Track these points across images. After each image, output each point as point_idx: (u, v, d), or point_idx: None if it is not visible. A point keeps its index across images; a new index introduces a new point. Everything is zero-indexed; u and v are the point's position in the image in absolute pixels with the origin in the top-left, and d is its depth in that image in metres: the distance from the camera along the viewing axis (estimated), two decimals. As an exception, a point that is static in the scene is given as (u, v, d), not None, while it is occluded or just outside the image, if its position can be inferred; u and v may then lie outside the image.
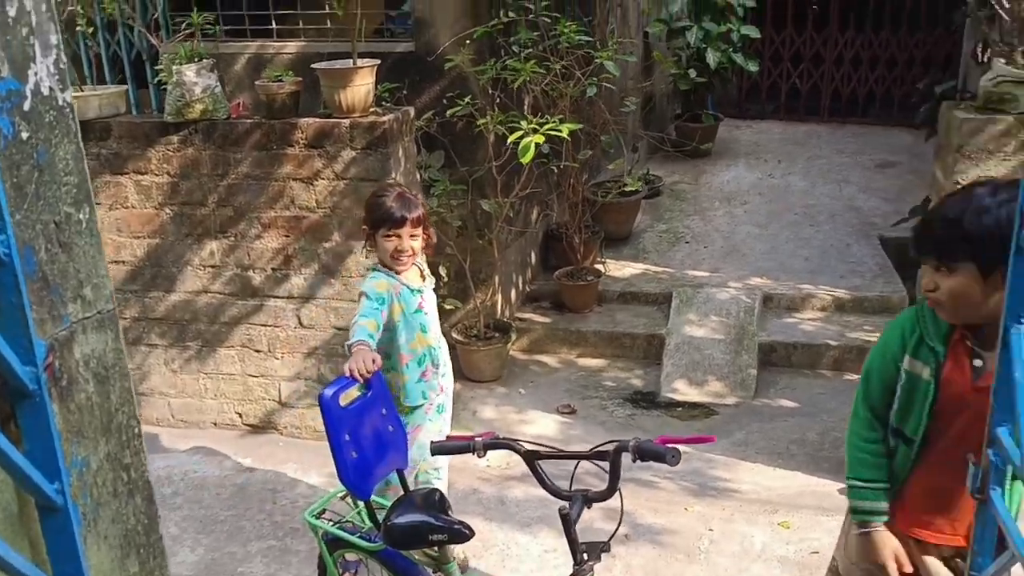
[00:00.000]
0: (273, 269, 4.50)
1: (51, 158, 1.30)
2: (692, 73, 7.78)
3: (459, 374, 4.66)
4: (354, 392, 2.77)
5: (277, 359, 4.63)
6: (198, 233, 4.52)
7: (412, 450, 3.16)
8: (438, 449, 2.41)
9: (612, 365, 5.43)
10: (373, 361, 2.74)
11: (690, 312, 5.58)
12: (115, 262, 4.58)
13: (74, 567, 1.29)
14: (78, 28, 4.64)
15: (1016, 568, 1.47)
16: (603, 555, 2.21)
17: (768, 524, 3.80)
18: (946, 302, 1.97)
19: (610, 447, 2.21)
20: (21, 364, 1.18)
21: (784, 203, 7.17)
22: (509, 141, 4.43)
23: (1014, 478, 1.47)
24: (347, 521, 2.89)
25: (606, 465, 2.21)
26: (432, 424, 3.32)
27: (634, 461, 2.16)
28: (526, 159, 4.29)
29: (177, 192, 4.48)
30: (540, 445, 2.33)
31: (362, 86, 4.20)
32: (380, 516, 2.70)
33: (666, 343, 5.34)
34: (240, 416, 4.80)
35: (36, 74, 1.27)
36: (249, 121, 4.34)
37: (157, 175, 4.48)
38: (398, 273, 3.16)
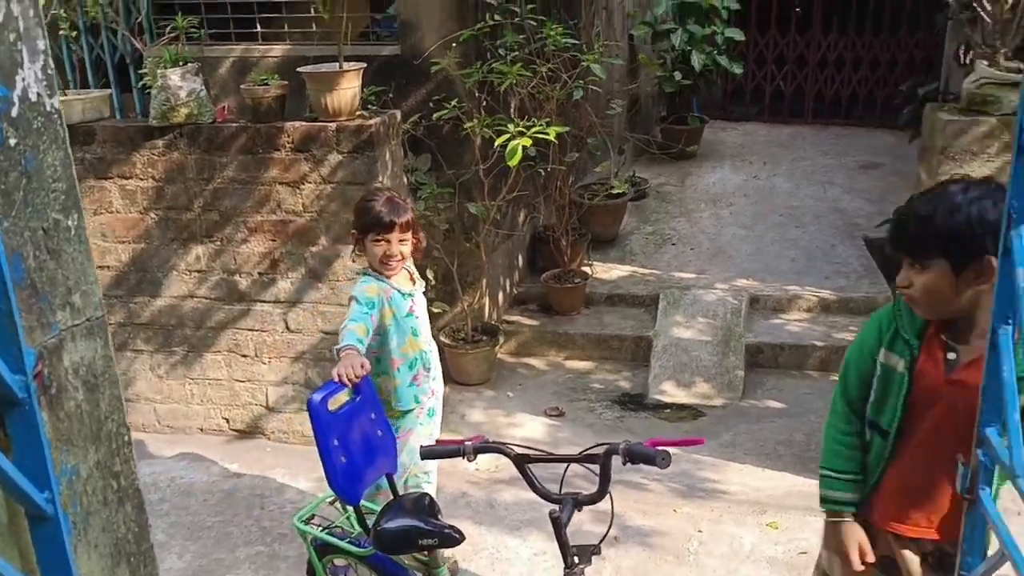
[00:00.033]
0: (260, 273, 4.48)
1: (39, 164, 1.29)
2: (677, 75, 7.80)
3: (447, 377, 4.64)
4: (343, 397, 2.77)
5: (264, 364, 4.61)
6: (184, 238, 4.50)
7: (403, 454, 3.16)
8: (428, 453, 2.41)
9: (600, 367, 5.44)
10: (362, 366, 2.73)
11: (677, 314, 5.59)
12: (100, 267, 4.54)
13: (64, 576, 1.28)
14: (61, 32, 4.61)
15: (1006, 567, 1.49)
16: (593, 557, 2.22)
17: (756, 525, 3.81)
18: (920, 298, 2.00)
19: (600, 450, 2.21)
20: (10, 372, 1.17)
21: (769, 204, 7.20)
22: (496, 144, 4.43)
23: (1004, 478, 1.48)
24: (336, 526, 2.88)
25: (596, 468, 2.21)
26: (423, 428, 3.31)
27: (624, 464, 2.17)
28: (513, 162, 4.30)
29: (162, 196, 4.46)
30: (530, 448, 2.33)
31: (348, 89, 4.19)
32: (370, 521, 2.70)
33: (653, 345, 5.35)
34: (227, 421, 4.78)
35: (24, 80, 1.26)
36: (235, 125, 4.32)
37: (142, 179, 4.45)
38: (388, 277, 3.15)
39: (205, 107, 4.33)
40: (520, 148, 4.27)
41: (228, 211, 4.41)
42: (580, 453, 2.27)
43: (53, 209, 1.33)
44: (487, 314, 5.45)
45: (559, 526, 2.17)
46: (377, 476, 2.84)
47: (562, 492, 2.25)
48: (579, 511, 2.23)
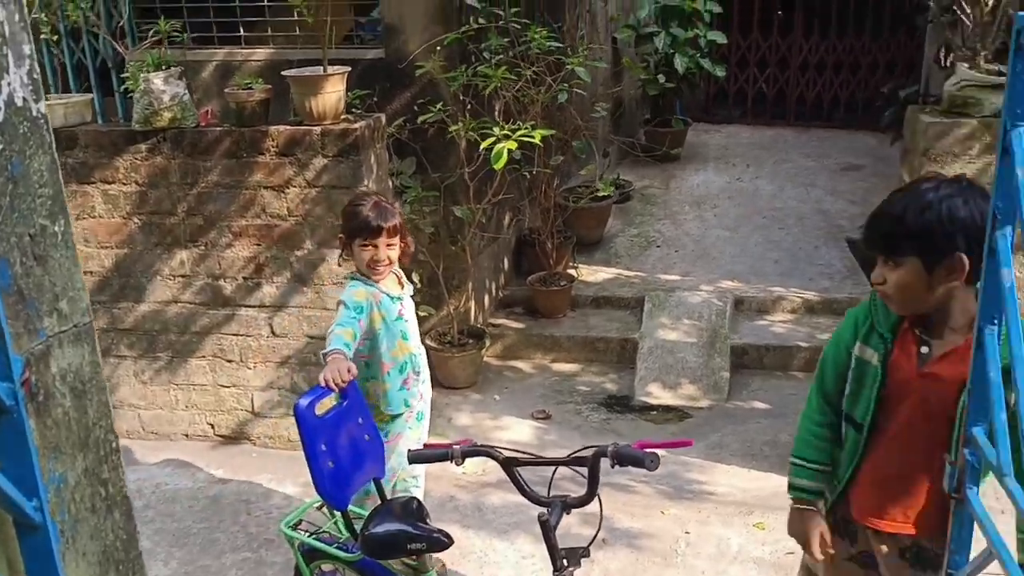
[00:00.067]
0: (244, 278, 4.46)
1: (25, 170, 1.29)
2: (661, 78, 7.83)
3: (433, 381, 4.61)
4: (330, 402, 2.76)
5: (249, 369, 4.59)
6: (167, 243, 4.48)
7: (392, 459, 3.15)
8: (416, 457, 2.40)
9: (586, 370, 5.45)
10: (348, 370, 2.72)
11: (662, 316, 5.61)
12: (83, 273, 4.50)
13: (53, 585, 1.27)
14: (42, 36, 4.57)
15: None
16: (582, 560, 2.22)
17: (743, 526, 3.83)
18: (893, 294, 2.03)
19: (588, 453, 2.22)
20: (-3, 380, 1.16)
21: (753, 206, 7.24)
22: (482, 147, 4.43)
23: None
24: (324, 531, 2.87)
25: (584, 470, 2.21)
26: (412, 432, 3.31)
27: (613, 466, 2.17)
28: (499, 165, 4.30)
29: (145, 201, 4.43)
30: (518, 452, 2.32)
31: (333, 93, 4.18)
32: (357, 526, 2.69)
33: (639, 347, 5.37)
34: (212, 427, 4.76)
35: (9, 84, 1.26)
36: (219, 129, 4.31)
37: (125, 184, 4.43)
38: (376, 282, 3.14)
39: (188, 111, 4.30)
40: (505, 151, 4.27)
41: (212, 215, 4.39)
42: (568, 456, 2.27)
43: (40, 215, 1.32)
44: (473, 317, 5.45)
45: (548, 529, 2.17)
46: (365, 481, 2.83)
47: (550, 495, 2.26)
48: (568, 514, 2.22)
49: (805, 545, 2.29)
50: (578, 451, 2.25)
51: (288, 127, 4.23)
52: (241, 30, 5.07)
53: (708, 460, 4.38)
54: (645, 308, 5.68)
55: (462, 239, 5.10)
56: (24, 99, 1.28)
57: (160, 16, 4.36)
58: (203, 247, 4.44)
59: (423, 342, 4.02)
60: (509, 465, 2.29)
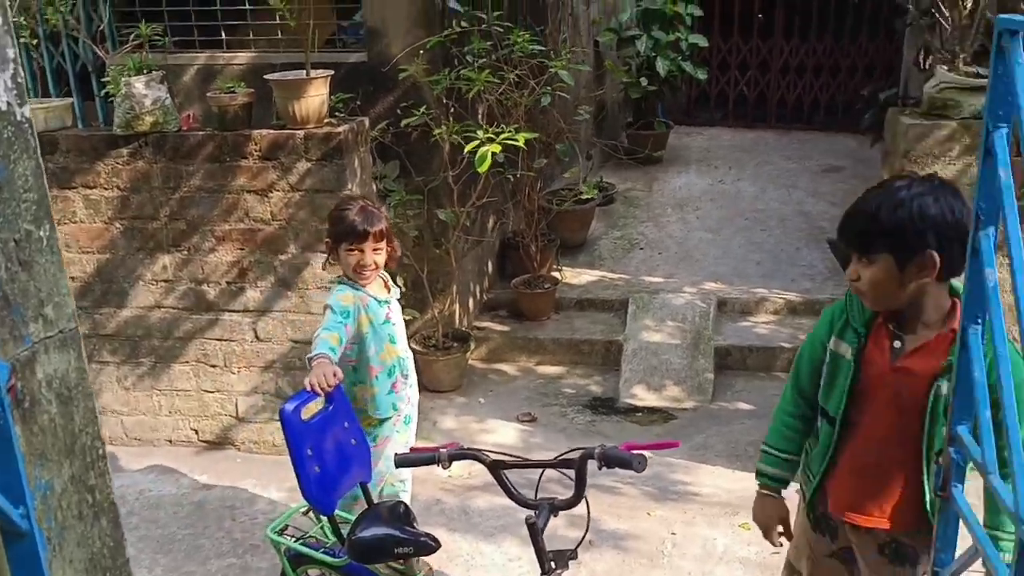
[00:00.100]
0: (228, 283, 4.44)
1: (10, 175, 1.28)
2: (643, 81, 7.87)
3: (419, 385, 4.64)
4: (315, 406, 2.75)
5: (234, 374, 4.57)
6: (150, 247, 4.45)
7: (380, 463, 3.15)
8: (402, 461, 2.40)
9: (571, 372, 5.46)
10: (334, 374, 2.71)
11: (646, 318, 5.62)
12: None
13: (40, 593, 1.26)
14: (21, 40, 4.53)
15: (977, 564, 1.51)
16: (569, 562, 2.22)
17: (729, 526, 3.84)
18: (867, 291, 2.06)
19: (576, 455, 2.22)
20: (-17, 387, 1.15)
21: (735, 208, 7.27)
22: (466, 151, 4.44)
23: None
24: (310, 536, 2.86)
25: (571, 472, 2.22)
26: (400, 436, 3.30)
27: (600, 468, 2.18)
28: (482, 168, 4.31)
29: (127, 206, 4.40)
30: (504, 454, 2.32)
31: (316, 97, 4.17)
32: (344, 530, 2.68)
33: (624, 349, 5.38)
34: (196, 433, 4.72)
35: (-7, 89, 1.25)
36: (201, 133, 4.28)
37: (106, 189, 4.39)
38: (363, 286, 3.14)
39: (170, 115, 4.28)
40: (489, 154, 4.27)
41: (195, 220, 4.36)
42: (556, 458, 2.27)
43: (24, 220, 1.31)
44: (458, 321, 5.44)
45: (536, 532, 2.17)
46: (351, 485, 2.82)
47: (538, 498, 2.26)
48: (555, 516, 2.23)
49: (765, 532, 2.39)
50: (565, 453, 2.26)
51: (271, 131, 4.22)
52: (223, 33, 5.05)
53: (693, 461, 4.40)
54: (629, 310, 5.70)
55: (446, 242, 5.09)
56: (8, 103, 1.28)
57: (141, 20, 4.33)
58: (186, 252, 4.42)
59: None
60: (496, 468, 2.29)
